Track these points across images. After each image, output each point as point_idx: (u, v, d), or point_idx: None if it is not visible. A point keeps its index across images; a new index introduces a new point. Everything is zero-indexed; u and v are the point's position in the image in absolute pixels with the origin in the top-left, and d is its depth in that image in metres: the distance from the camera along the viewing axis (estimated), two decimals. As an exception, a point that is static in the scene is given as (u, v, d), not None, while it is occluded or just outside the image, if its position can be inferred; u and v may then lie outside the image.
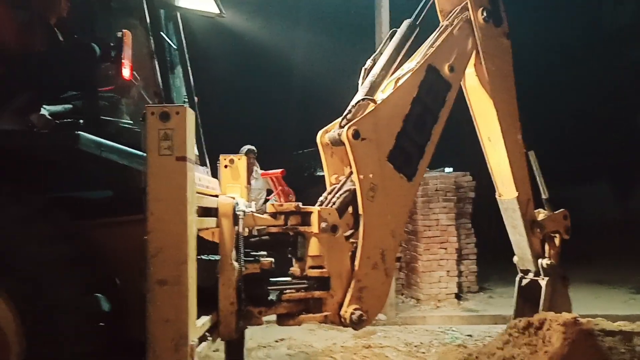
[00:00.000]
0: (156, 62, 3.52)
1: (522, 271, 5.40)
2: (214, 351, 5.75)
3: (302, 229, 3.95)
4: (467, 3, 4.75)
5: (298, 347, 6.56)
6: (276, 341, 6.75)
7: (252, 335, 6.61)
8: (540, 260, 5.24)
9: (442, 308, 8.80)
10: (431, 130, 4.40)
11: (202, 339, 3.22)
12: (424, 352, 6.42)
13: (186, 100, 4.61)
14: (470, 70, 4.94)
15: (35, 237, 2.92)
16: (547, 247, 5.31)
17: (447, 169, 9.75)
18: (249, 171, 8.72)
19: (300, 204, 4.02)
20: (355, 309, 3.95)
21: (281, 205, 4.03)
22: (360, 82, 4.61)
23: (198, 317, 3.21)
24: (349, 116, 4.28)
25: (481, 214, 10.77)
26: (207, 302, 3.55)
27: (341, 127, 4.22)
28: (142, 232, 2.86)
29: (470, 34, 4.74)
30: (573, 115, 15.80)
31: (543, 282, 5.22)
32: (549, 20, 15.05)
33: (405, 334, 7.45)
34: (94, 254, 3.12)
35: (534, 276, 5.28)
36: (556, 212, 5.39)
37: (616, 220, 17.24)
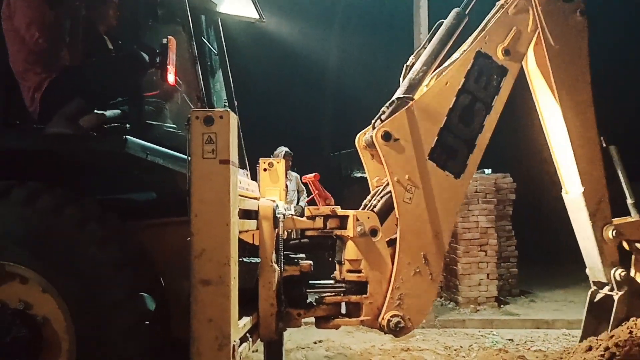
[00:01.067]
0: (198, 67, 3.59)
1: (595, 284, 4.64)
2: (253, 352, 5.81)
3: (338, 232, 3.95)
4: None
5: (336, 349, 6.58)
6: (314, 343, 6.78)
7: (291, 337, 6.65)
8: (613, 271, 4.47)
9: (481, 311, 8.69)
10: (483, 121, 4.10)
11: (242, 339, 3.27)
12: (464, 356, 6.35)
13: (226, 104, 4.69)
14: (534, 48, 4.39)
15: (88, 238, 3.03)
16: (633, 260, 4.53)
17: (487, 171, 9.62)
18: (285, 173, 8.82)
19: (337, 207, 4.03)
20: (393, 316, 3.85)
21: (317, 208, 4.05)
22: (401, 79, 4.39)
23: (240, 317, 3.28)
24: (382, 117, 4.12)
25: (522, 216, 10.62)
26: (248, 304, 3.61)
27: (374, 128, 4.10)
28: (187, 233, 2.94)
29: (531, 11, 4.22)
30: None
31: (616, 296, 4.44)
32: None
33: (445, 337, 7.38)
34: (141, 255, 3.20)
35: (609, 290, 4.52)
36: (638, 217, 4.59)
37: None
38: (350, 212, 3.98)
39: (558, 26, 4.26)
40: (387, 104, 4.21)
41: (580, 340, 4.62)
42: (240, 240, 3.84)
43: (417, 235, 3.95)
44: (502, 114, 4.99)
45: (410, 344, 6.74)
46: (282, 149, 9.10)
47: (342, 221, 4.01)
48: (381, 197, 4.12)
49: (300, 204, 8.82)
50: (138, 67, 3.45)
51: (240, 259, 3.47)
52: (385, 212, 4.08)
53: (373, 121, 4.19)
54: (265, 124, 17.12)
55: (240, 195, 3.54)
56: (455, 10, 4.34)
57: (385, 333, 3.98)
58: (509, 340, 7.26)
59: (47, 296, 3.03)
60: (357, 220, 3.91)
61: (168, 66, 3.36)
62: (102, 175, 3.59)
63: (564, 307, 9.10)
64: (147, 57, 3.42)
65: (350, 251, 3.95)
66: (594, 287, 4.66)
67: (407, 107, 4.03)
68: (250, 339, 3.48)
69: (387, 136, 3.95)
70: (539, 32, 4.24)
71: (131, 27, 3.85)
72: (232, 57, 4.97)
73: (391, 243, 3.99)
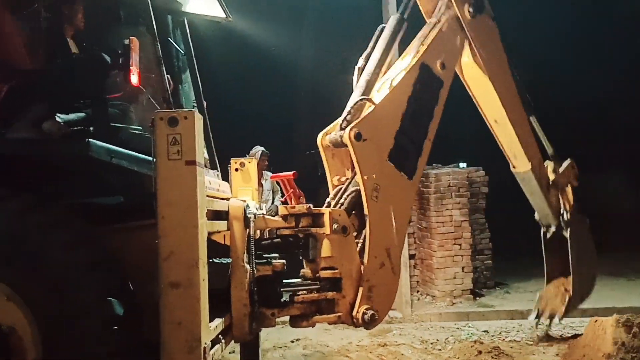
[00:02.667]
0: (163, 68, 3.55)
1: (545, 225, 6.03)
2: (230, 353, 5.80)
3: (314, 230, 3.97)
4: (449, 0, 4.82)
5: (314, 347, 6.58)
6: (292, 341, 6.76)
7: (268, 336, 6.63)
8: (561, 215, 5.80)
9: (457, 304, 8.76)
10: (427, 127, 4.46)
11: (215, 341, 3.25)
12: (440, 349, 6.40)
13: (195, 105, 4.65)
14: (466, 61, 5.07)
15: (54, 244, 2.97)
16: (562, 200, 5.81)
17: (462, 164, 9.70)
18: (260, 173, 8.78)
19: (311, 205, 4.04)
20: (367, 309, 3.99)
21: (293, 207, 4.05)
22: (355, 81, 4.67)
23: (211, 319, 3.26)
24: (348, 117, 4.32)
25: (495, 209, 10.73)
26: (220, 305, 3.59)
27: (342, 128, 4.27)
28: (154, 236, 2.91)
29: (459, 29, 4.82)
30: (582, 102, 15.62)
31: (567, 233, 5.79)
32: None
33: (421, 331, 7.43)
34: (109, 260, 3.16)
35: (556, 230, 5.89)
36: (563, 165, 5.84)
37: (630, 210, 17.02)
38: (325, 210, 4.03)
39: (482, 36, 4.96)
40: (350, 105, 4.41)
41: (547, 275, 6.34)
42: (212, 242, 3.82)
43: (383, 231, 4.15)
44: (474, 109, 5.37)
45: (387, 339, 6.78)
46: (259, 149, 9.06)
47: (316, 219, 4.04)
48: (348, 196, 4.24)
49: (275, 203, 8.79)
50: (100, 69, 3.40)
51: (211, 260, 3.46)
52: (350, 210, 4.20)
53: (340, 121, 4.36)
54: (238, 124, 17.02)
55: (209, 196, 3.52)
56: (394, 16, 4.82)
57: (356, 327, 4.08)
58: (484, 331, 7.33)
59: (11, 304, 2.96)
60: (333, 218, 3.95)
61: (131, 67, 3.32)
62: (68, 179, 3.52)
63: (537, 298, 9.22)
64: (108, 59, 3.38)
65: (326, 248, 3.99)
66: (544, 228, 6.05)
67: (373, 109, 4.28)
68: (223, 341, 3.46)
69: (358, 136, 4.10)
70: (469, 44, 4.90)
71: (94, 30, 3.78)
72: (201, 58, 4.94)
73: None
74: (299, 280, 4.13)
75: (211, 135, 4.70)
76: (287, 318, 4.02)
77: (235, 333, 3.69)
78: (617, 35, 14.95)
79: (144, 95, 3.86)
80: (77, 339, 2.90)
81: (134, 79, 3.38)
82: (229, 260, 3.67)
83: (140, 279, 3.21)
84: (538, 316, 6.41)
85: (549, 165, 5.82)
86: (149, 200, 2.99)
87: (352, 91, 4.66)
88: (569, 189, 5.89)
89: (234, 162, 5.04)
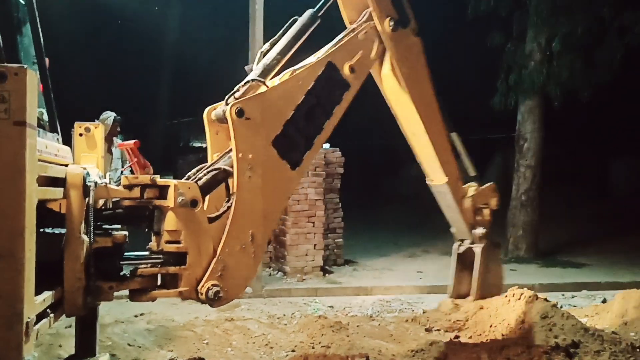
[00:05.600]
0: (-4, 17, 3.21)
1: (459, 240, 6.31)
2: (65, 328, 5.49)
3: (157, 202, 3.83)
4: (370, 15, 4.80)
5: (158, 322, 6.43)
6: (135, 316, 6.56)
7: (110, 311, 6.38)
8: (474, 231, 6.09)
9: (307, 280, 9.03)
10: (323, 124, 4.44)
11: (41, 316, 3.04)
12: (285, 324, 6.56)
13: (35, 62, 4.27)
14: (386, 73, 5.11)
15: None
16: (479, 217, 6.08)
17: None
18: (110, 140, 8.32)
19: (156, 176, 3.89)
20: (213, 285, 3.89)
21: (136, 177, 3.87)
22: (255, 64, 4.59)
23: (41, 292, 3.04)
24: (236, 94, 4.25)
25: (350, 189, 11.16)
26: (55, 277, 3.37)
27: (227, 104, 4.19)
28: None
29: (377, 41, 4.82)
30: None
31: (477, 249, 6.13)
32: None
33: (270, 306, 7.57)
34: None
35: (470, 244, 6.20)
36: (484, 186, 6.11)
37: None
38: (170, 182, 3.89)
39: (402, 51, 5.00)
40: (242, 83, 4.35)
41: (451, 286, 6.51)
42: (49, 210, 3.57)
43: (249, 213, 4.07)
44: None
45: (235, 314, 6.82)
46: (110, 114, 8.56)
47: (162, 191, 3.89)
48: (208, 172, 4.13)
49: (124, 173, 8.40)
50: None
51: (42, 230, 3.23)
52: (208, 187, 4.09)
53: (227, 97, 4.27)
54: (94, 87, 15.98)
55: (44, 161, 3.27)
56: (309, 11, 4.75)
57: (202, 303, 3.99)
58: (330, 307, 7.64)
59: None
60: (178, 190, 3.83)
61: (-45, 12, 2.95)
62: None
63: (382, 275, 9.79)
64: None
65: (170, 221, 3.86)
66: (458, 242, 6.33)
67: (264, 91, 4.23)
68: (52, 315, 3.25)
69: (240, 113, 4.03)
70: (389, 56, 4.95)
71: None
72: (46, 10, 4.53)
73: (215, 219, 4.03)
74: (144, 253, 3.99)
75: (52, 96, 4.35)
76: (127, 292, 3.87)
77: (67, 307, 3.47)
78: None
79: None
80: None
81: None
82: (63, 230, 3.44)
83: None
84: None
85: (470, 186, 6.03)
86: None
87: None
88: (487, 211, 6.12)
89: (78, 127, 4.70)
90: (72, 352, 4.85)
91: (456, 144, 5.79)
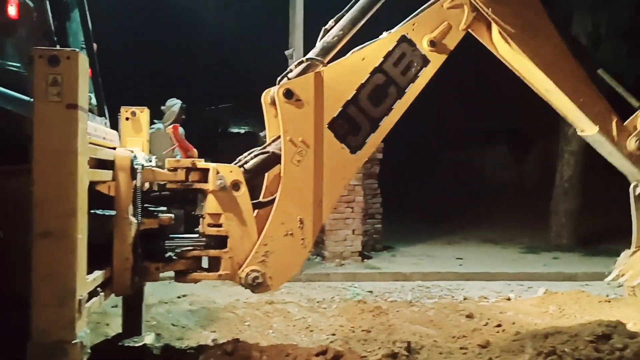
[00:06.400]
0: (47, 2, 3.28)
1: (635, 180, 5.43)
2: (112, 307, 5.64)
3: (198, 185, 3.84)
4: None
5: (200, 303, 6.55)
6: (178, 297, 6.70)
7: (154, 292, 6.51)
8: None
9: (346, 265, 9.05)
10: (392, 105, 4.07)
11: (92, 294, 3.12)
12: (325, 308, 6.58)
13: (84, 46, 4.36)
14: (497, 37, 4.45)
15: None
16: None
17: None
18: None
19: (197, 160, 3.92)
20: (252, 270, 3.83)
21: (178, 161, 3.92)
22: (317, 41, 4.24)
23: (92, 271, 3.13)
24: (290, 75, 4.04)
25: (388, 175, 11.10)
26: (105, 257, 3.46)
27: (278, 84, 3.97)
28: (28, 182, 2.72)
29: (468, 8, 4.22)
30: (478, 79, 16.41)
31: None
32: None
33: (309, 290, 7.62)
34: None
35: None
36: None
37: (513, 182, 18.27)
38: (211, 165, 3.89)
39: (506, 9, 4.30)
40: (295, 63, 4.13)
41: (635, 236, 5.48)
42: (97, 192, 3.65)
43: (298, 199, 3.91)
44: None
45: (275, 297, 6.88)
46: (176, 102, 8.65)
47: (204, 174, 3.91)
48: (255, 156, 4.05)
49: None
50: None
51: (93, 212, 3.30)
52: (256, 171, 4.03)
53: (279, 78, 4.07)
54: (138, 72, 16.24)
55: (93, 144, 3.34)
56: None
57: (244, 287, 3.99)
58: (369, 292, 7.65)
59: None
60: (218, 173, 3.84)
61: (8, -3, 3.03)
62: None
63: (421, 261, 9.74)
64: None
65: (211, 205, 3.86)
66: (634, 182, 5.39)
67: (316, 70, 3.97)
68: (102, 294, 3.34)
69: (289, 94, 3.85)
70: (493, 24, 4.28)
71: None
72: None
73: (263, 205, 3.97)
74: (188, 235, 4.04)
75: (100, 81, 4.43)
76: (172, 273, 3.94)
77: (116, 287, 3.56)
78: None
79: (24, 30, 3.55)
80: None
81: (12, 10, 3.10)
82: (112, 212, 3.52)
83: (12, 228, 3.00)
84: (616, 278, 5.72)
85: (637, 116, 5.13)
86: (24, 144, 2.78)
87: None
88: None
89: (125, 111, 4.80)
90: (119, 330, 5.00)
91: (607, 79, 5.12)
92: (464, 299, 7.25)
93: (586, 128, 5.05)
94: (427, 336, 5.35)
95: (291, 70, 4.09)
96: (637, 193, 5.49)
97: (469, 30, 4.29)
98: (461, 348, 4.85)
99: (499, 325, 5.59)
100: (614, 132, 5.01)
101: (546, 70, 4.60)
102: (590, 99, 4.88)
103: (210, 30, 19.14)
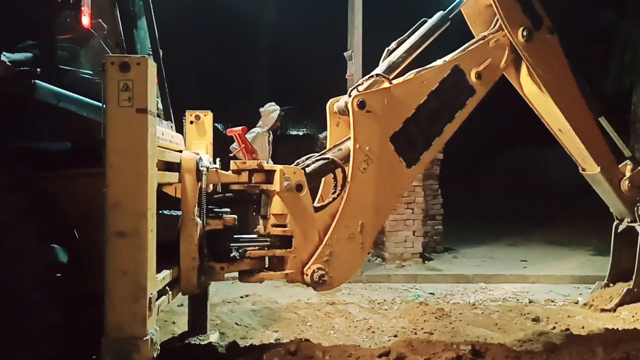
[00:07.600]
0: (117, 12, 3.41)
1: (618, 218, 6.12)
2: (178, 306, 5.80)
3: (264, 186, 3.95)
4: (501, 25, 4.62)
5: (262, 303, 6.63)
6: (241, 297, 6.80)
7: (217, 291, 6.65)
8: (636, 209, 5.82)
9: (406, 267, 8.95)
10: (444, 127, 4.41)
11: (161, 292, 3.23)
12: (386, 309, 6.54)
13: (151, 53, 4.51)
14: (524, 77, 4.95)
15: None
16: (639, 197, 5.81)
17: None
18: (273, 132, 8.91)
19: (263, 161, 4.02)
20: (318, 268, 3.98)
21: (244, 162, 4.01)
22: (381, 61, 4.61)
23: (160, 270, 3.23)
24: (360, 87, 4.31)
25: (449, 176, 10.93)
26: (170, 257, 3.56)
27: (350, 95, 4.25)
28: (102, 184, 2.84)
29: (508, 49, 4.65)
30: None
31: (639, 227, 5.86)
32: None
33: (370, 291, 7.58)
34: (52, 205, 3.07)
35: (629, 223, 5.98)
36: None
37: (578, 183, 17.58)
38: (277, 167, 4.00)
39: (539, 55, 4.78)
40: (366, 77, 4.45)
41: (610, 267, 6.34)
42: (164, 194, 3.77)
43: (361, 204, 4.13)
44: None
45: (336, 298, 6.89)
46: (276, 107, 8.84)
47: (269, 175, 4.02)
48: (316, 160, 4.22)
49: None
50: (48, 7, 3.24)
51: (161, 212, 3.41)
52: (315, 175, 4.19)
53: (350, 89, 4.37)
54: (197, 76, 16.65)
55: (161, 147, 3.45)
56: (440, 13, 4.67)
57: (307, 286, 4.07)
58: (430, 294, 7.54)
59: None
60: (284, 174, 3.92)
61: (82, 7, 3.18)
62: (11, 121, 3.38)
63: (483, 263, 9.52)
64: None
65: (276, 205, 3.97)
66: (617, 221, 6.12)
67: (387, 87, 4.27)
68: (170, 293, 3.45)
69: (362, 104, 4.11)
70: (525, 63, 4.76)
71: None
72: (160, 6, 4.76)
73: (321, 208, 4.14)
74: (251, 235, 4.13)
75: (166, 86, 4.58)
76: (237, 274, 4.03)
77: (183, 285, 3.67)
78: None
79: (96, 39, 3.71)
80: (16, 282, 2.84)
81: (86, 20, 3.25)
82: (179, 212, 3.62)
83: (86, 228, 3.14)
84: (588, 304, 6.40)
85: (627, 164, 5.81)
86: (97, 147, 2.91)
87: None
88: None
89: (189, 115, 4.95)
90: (185, 329, 5.13)
91: (605, 127, 5.62)
92: (530, 302, 7.03)
93: (589, 167, 5.66)
94: (492, 339, 5.23)
95: (361, 83, 4.37)
96: (619, 230, 6.15)
97: None
98: (527, 352, 4.71)
99: (567, 330, 5.41)
100: (611, 175, 5.66)
101: (565, 113, 5.10)
102: (596, 143, 5.47)
103: (269, 33, 19.41)
